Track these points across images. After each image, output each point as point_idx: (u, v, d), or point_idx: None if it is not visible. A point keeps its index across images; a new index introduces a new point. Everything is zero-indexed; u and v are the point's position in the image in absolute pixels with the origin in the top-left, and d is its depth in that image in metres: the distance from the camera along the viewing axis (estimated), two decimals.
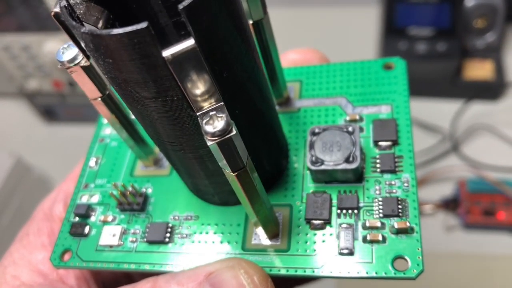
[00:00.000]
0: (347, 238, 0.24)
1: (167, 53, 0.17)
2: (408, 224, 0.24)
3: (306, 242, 0.25)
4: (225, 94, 0.19)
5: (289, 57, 0.33)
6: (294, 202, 0.26)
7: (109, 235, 0.28)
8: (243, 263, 0.24)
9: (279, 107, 0.30)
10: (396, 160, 0.26)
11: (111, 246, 0.27)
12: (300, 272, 0.24)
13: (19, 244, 0.31)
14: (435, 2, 0.73)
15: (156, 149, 0.30)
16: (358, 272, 0.23)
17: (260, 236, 0.25)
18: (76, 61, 0.22)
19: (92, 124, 0.82)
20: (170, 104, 0.19)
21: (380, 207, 0.25)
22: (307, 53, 0.33)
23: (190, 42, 0.16)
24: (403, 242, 0.24)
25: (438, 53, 0.70)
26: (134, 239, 0.27)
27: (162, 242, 0.27)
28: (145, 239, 0.27)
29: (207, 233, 0.26)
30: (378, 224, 0.24)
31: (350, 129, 0.26)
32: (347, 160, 0.25)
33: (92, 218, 0.29)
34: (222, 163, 0.19)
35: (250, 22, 0.25)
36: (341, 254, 0.24)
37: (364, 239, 0.24)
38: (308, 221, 0.25)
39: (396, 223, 0.24)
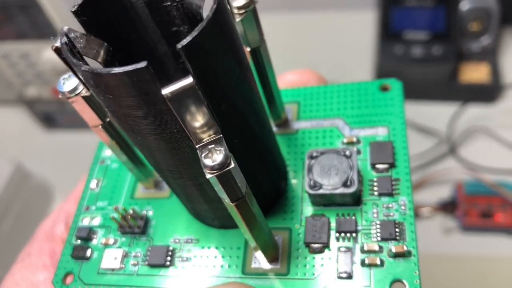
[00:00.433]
0: (345, 261, 0.25)
1: (166, 91, 0.17)
2: (405, 248, 0.24)
3: (305, 265, 0.25)
4: (224, 124, 0.19)
5: (286, 79, 0.33)
6: (293, 226, 0.27)
7: (111, 258, 0.28)
8: (243, 287, 0.24)
9: (277, 128, 0.31)
10: (393, 183, 0.26)
11: (112, 269, 0.28)
12: None
13: (21, 264, 0.31)
14: (431, 6, 0.73)
15: (156, 173, 0.30)
16: None
17: (260, 260, 0.26)
18: (77, 91, 0.23)
19: (90, 130, 0.82)
20: (170, 136, 0.20)
21: (378, 230, 0.25)
22: (305, 74, 0.33)
23: (188, 81, 0.17)
24: (400, 266, 0.24)
25: (434, 56, 0.70)
26: (136, 262, 0.28)
27: (163, 266, 0.27)
28: (146, 262, 0.27)
29: (207, 256, 0.27)
30: (376, 248, 0.24)
31: (347, 153, 0.26)
32: (344, 184, 0.25)
33: (94, 241, 0.29)
34: (221, 194, 0.20)
35: (248, 49, 0.25)
36: (340, 277, 0.24)
37: (363, 263, 0.24)
38: (307, 244, 0.26)
39: (393, 247, 0.24)
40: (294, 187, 0.28)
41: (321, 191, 0.25)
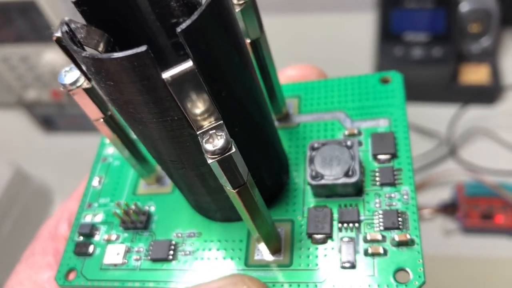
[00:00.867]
0: (348, 251, 0.25)
1: (166, 75, 0.17)
2: (408, 236, 0.24)
3: (308, 256, 0.25)
4: (224, 112, 0.19)
5: (287, 74, 0.33)
6: (296, 217, 0.27)
7: (113, 254, 0.28)
8: (246, 280, 0.24)
9: (278, 122, 0.31)
10: (395, 173, 0.26)
11: (115, 265, 0.28)
12: (302, 287, 0.24)
13: (25, 264, 0.31)
14: (430, 7, 0.73)
15: (158, 167, 0.30)
16: (360, 286, 0.23)
17: (263, 252, 0.26)
18: (78, 84, 0.23)
19: (91, 133, 0.83)
20: (171, 123, 0.20)
21: (381, 220, 0.25)
22: (305, 69, 0.33)
23: (188, 64, 0.17)
24: (404, 255, 0.24)
25: (434, 58, 0.70)
26: (138, 257, 0.27)
27: (165, 260, 0.27)
28: (149, 257, 0.27)
29: (210, 249, 0.27)
30: (379, 237, 0.24)
31: (348, 143, 0.26)
32: (346, 174, 0.25)
33: (96, 237, 0.29)
34: (223, 180, 0.20)
35: (248, 41, 0.25)
36: (343, 267, 0.24)
37: (366, 252, 0.24)
38: (310, 235, 0.25)
39: (396, 235, 0.24)
40: (296, 180, 0.28)
41: (323, 182, 0.25)
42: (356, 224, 0.25)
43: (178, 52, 0.25)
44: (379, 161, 0.27)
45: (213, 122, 0.19)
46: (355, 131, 0.29)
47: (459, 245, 0.60)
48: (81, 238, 0.29)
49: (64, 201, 0.34)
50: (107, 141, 0.33)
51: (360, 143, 0.28)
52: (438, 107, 0.74)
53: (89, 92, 0.23)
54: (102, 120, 0.25)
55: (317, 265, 0.25)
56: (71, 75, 0.23)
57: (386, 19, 0.75)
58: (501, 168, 0.64)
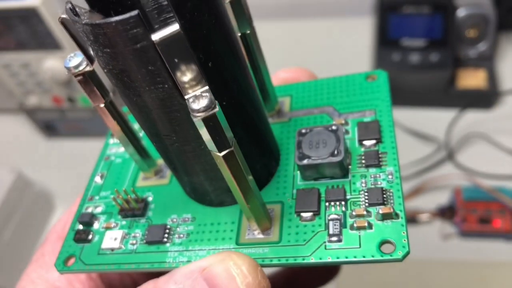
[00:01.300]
0: (335, 227, 0.25)
1: (155, 36, 0.19)
2: (392, 209, 0.25)
3: (297, 233, 0.26)
4: (211, 84, 0.21)
5: (279, 76, 0.35)
6: (286, 199, 0.28)
7: (111, 239, 0.29)
8: (233, 255, 0.25)
9: (271, 119, 0.32)
10: (380, 155, 0.28)
11: (112, 249, 0.29)
12: (291, 261, 0.25)
13: (35, 264, 0.33)
14: (428, 13, 0.75)
15: (158, 161, 0.32)
16: (346, 257, 0.24)
17: (254, 231, 0.27)
18: (81, 67, 0.25)
19: (91, 138, 0.84)
20: (162, 92, 0.22)
21: (366, 197, 0.26)
22: (297, 72, 0.35)
23: (175, 27, 0.19)
24: (388, 227, 0.25)
25: (431, 63, 0.72)
26: (135, 241, 0.28)
27: (160, 242, 0.28)
28: (145, 241, 0.28)
29: (203, 232, 0.28)
30: (364, 212, 0.25)
31: (334, 127, 0.28)
32: (332, 154, 0.27)
33: (95, 225, 0.30)
34: (209, 142, 0.21)
35: (238, 34, 0.27)
36: (330, 242, 0.25)
37: (351, 227, 0.25)
38: (298, 213, 0.26)
39: (380, 209, 0.25)
40: (286, 167, 0.29)
41: (309, 161, 0.27)
42: (343, 202, 0.26)
43: (160, 16, 0.27)
44: (364, 146, 0.28)
45: (200, 88, 0.21)
46: (343, 121, 0.30)
47: (457, 249, 0.60)
48: (81, 226, 0.30)
49: (67, 205, 0.36)
50: (111, 141, 0.35)
51: (347, 132, 0.30)
52: (435, 112, 0.75)
53: (91, 75, 0.25)
54: (103, 105, 0.27)
55: (305, 240, 0.25)
56: (75, 60, 0.25)
57: (384, 24, 0.76)
58: (499, 172, 0.65)
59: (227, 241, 0.27)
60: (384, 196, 0.26)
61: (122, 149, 0.34)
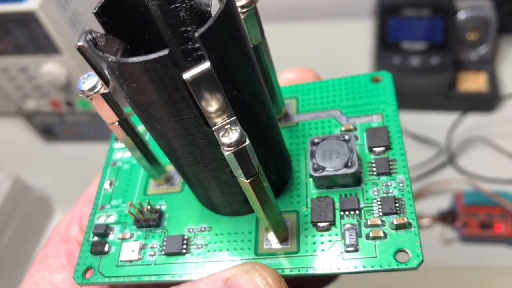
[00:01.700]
0: (351, 236, 0.26)
1: (187, 75, 0.19)
2: (406, 219, 0.26)
3: (314, 243, 0.27)
4: (235, 110, 0.21)
5: (284, 77, 0.35)
6: (300, 208, 0.28)
7: (129, 251, 0.29)
8: (257, 267, 0.26)
9: (279, 123, 0.33)
10: (390, 163, 0.28)
11: (131, 261, 0.29)
12: (311, 271, 0.26)
13: (38, 266, 0.33)
14: (428, 16, 0.74)
15: (168, 168, 0.32)
16: (364, 267, 0.25)
17: (271, 241, 0.27)
18: (96, 90, 0.25)
19: (90, 142, 0.84)
20: (188, 122, 0.22)
21: (379, 206, 0.27)
22: (301, 72, 0.35)
23: (206, 65, 0.19)
24: (402, 237, 0.26)
25: (432, 66, 0.71)
26: (153, 252, 0.29)
27: (179, 254, 0.28)
28: (163, 252, 0.29)
29: (221, 242, 0.28)
30: (379, 222, 0.26)
31: (346, 137, 0.28)
32: (346, 166, 0.27)
33: (111, 237, 0.30)
34: (238, 172, 0.22)
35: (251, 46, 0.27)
36: (347, 251, 0.26)
37: (367, 237, 0.26)
38: (314, 224, 0.27)
39: (395, 219, 0.26)
40: (298, 175, 0.30)
41: (324, 173, 0.27)
42: (357, 211, 0.27)
43: (186, 58, 0.27)
44: (374, 153, 0.29)
45: (227, 118, 0.21)
46: (351, 127, 0.31)
47: (458, 254, 0.60)
48: (96, 238, 0.31)
49: (66, 209, 0.35)
50: (116, 146, 0.35)
51: (356, 138, 0.30)
52: (436, 115, 0.74)
53: (106, 97, 0.25)
54: (117, 123, 0.27)
55: (322, 250, 0.26)
56: (89, 82, 0.25)
57: (384, 27, 0.75)
58: (500, 176, 0.64)
59: (246, 251, 0.28)
60: (397, 205, 0.27)
61: (128, 154, 0.34)
